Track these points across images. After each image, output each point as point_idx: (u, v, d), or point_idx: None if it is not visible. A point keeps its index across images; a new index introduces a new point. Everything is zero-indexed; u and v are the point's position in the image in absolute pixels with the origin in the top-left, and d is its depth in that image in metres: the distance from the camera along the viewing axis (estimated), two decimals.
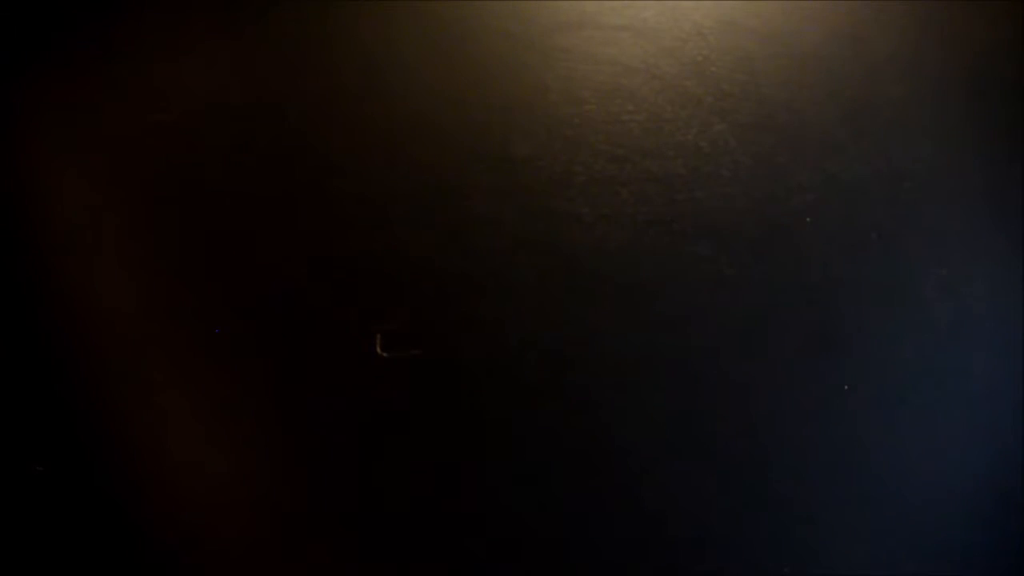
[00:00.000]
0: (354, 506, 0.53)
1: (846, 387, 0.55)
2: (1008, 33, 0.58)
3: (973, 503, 0.57)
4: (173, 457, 0.54)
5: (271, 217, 0.53)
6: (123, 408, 0.53)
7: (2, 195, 0.54)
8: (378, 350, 0.52)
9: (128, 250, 0.53)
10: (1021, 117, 0.57)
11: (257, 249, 0.53)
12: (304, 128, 0.53)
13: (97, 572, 0.53)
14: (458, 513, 0.53)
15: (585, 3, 0.53)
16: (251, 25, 0.54)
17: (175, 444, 0.54)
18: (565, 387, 0.53)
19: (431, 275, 0.52)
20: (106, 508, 0.53)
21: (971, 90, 0.57)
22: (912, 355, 0.56)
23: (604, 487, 0.54)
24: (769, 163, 0.54)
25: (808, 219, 0.55)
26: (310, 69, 0.53)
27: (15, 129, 0.54)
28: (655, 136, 0.54)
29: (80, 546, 0.53)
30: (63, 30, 0.54)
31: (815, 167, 0.55)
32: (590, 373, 0.53)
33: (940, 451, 0.56)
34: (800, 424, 0.55)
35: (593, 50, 0.53)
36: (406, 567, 0.53)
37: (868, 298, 0.55)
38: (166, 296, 0.53)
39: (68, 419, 0.53)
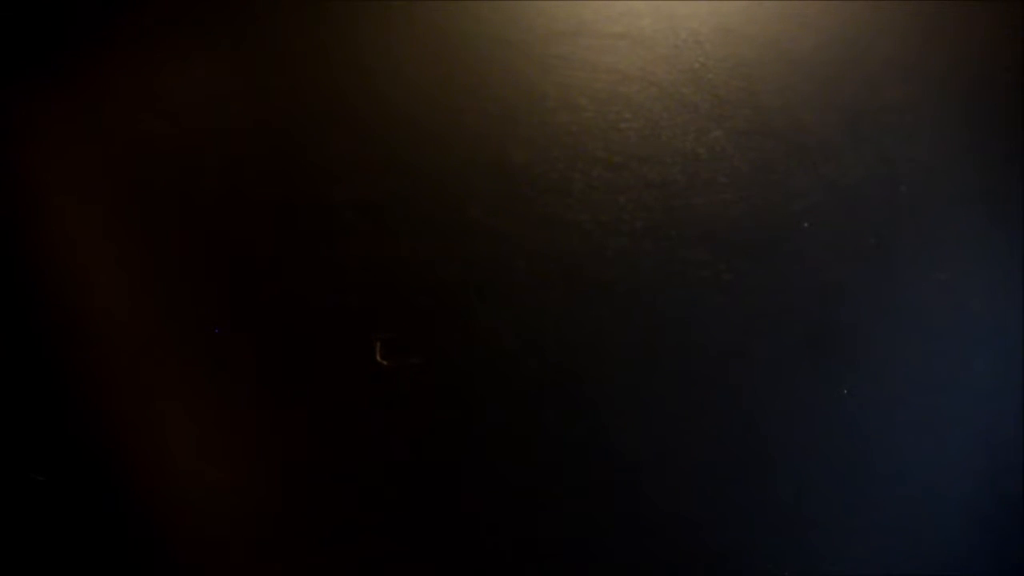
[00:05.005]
0: (354, 511, 0.53)
1: (846, 391, 0.55)
2: (1007, 36, 0.57)
3: (973, 505, 0.57)
4: (172, 464, 0.54)
5: (270, 225, 0.53)
6: (123, 415, 0.54)
7: (2, 200, 0.54)
8: (378, 358, 0.52)
9: (127, 257, 0.54)
10: (1020, 121, 0.57)
11: (256, 257, 0.53)
12: (302, 136, 0.53)
13: None
14: (458, 518, 0.53)
15: (582, 11, 0.53)
16: (249, 33, 0.54)
17: (175, 451, 0.54)
18: (565, 393, 0.53)
19: (430, 282, 0.53)
20: (107, 514, 0.54)
21: (970, 94, 0.57)
22: (912, 359, 0.56)
23: (604, 491, 0.54)
24: (767, 169, 0.54)
25: (806, 224, 0.55)
26: (307, 77, 0.53)
27: (14, 134, 0.54)
28: (652, 143, 0.54)
29: (81, 554, 0.53)
30: (61, 37, 0.54)
31: (813, 172, 0.55)
32: (590, 379, 0.53)
33: (940, 454, 0.56)
34: (800, 428, 0.55)
35: (590, 58, 0.53)
36: (406, 570, 0.53)
37: (867, 302, 0.55)
38: (166, 303, 0.53)
39: (68, 427, 0.53)
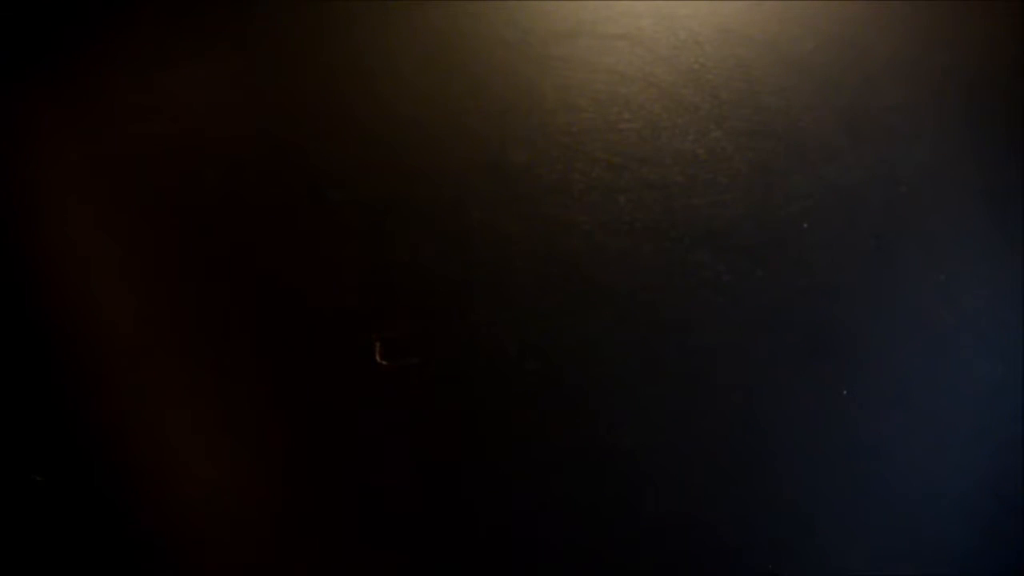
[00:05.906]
0: (354, 512, 0.53)
1: (845, 392, 0.55)
2: (1007, 37, 0.57)
3: (973, 505, 0.57)
4: (172, 464, 0.54)
5: (270, 226, 0.53)
6: (123, 415, 0.54)
7: (3, 201, 0.54)
8: (378, 358, 0.52)
9: (128, 258, 0.54)
10: (1019, 121, 0.57)
11: (256, 258, 0.53)
12: (302, 137, 0.53)
13: None
14: (458, 518, 0.53)
15: (582, 12, 0.53)
16: (248, 35, 0.54)
17: (175, 451, 0.54)
18: (564, 394, 0.53)
19: (430, 283, 0.53)
20: (107, 514, 0.54)
21: (969, 94, 0.57)
22: (911, 360, 0.56)
23: (603, 492, 0.54)
24: (766, 170, 0.54)
25: (806, 225, 0.55)
26: (307, 79, 0.53)
27: (14, 134, 0.54)
28: (652, 144, 0.54)
29: (81, 554, 0.54)
30: (61, 38, 0.54)
31: (812, 173, 0.55)
32: (589, 380, 0.53)
33: (940, 454, 0.56)
34: (799, 429, 0.55)
35: (590, 58, 0.53)
36: (406, 570, 0.53)
37: (866, 303, 0.55)
38: (166, 304, 0.53)
39: (68, 428, 0.54)
